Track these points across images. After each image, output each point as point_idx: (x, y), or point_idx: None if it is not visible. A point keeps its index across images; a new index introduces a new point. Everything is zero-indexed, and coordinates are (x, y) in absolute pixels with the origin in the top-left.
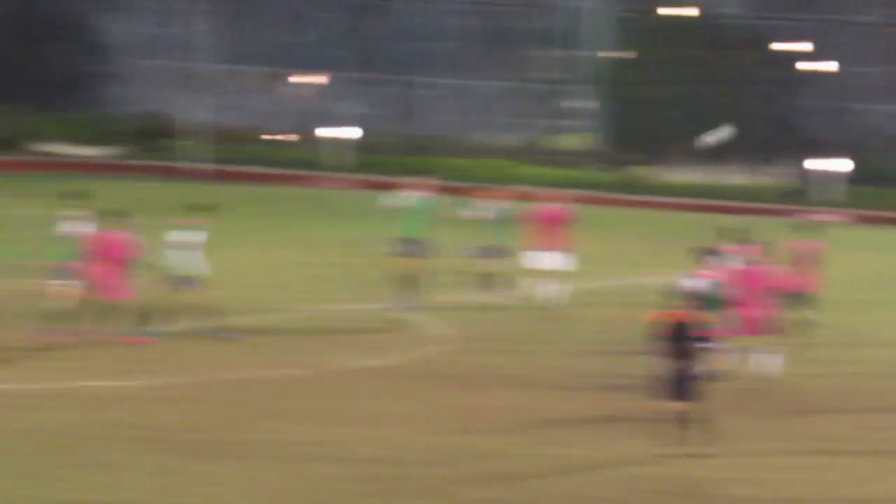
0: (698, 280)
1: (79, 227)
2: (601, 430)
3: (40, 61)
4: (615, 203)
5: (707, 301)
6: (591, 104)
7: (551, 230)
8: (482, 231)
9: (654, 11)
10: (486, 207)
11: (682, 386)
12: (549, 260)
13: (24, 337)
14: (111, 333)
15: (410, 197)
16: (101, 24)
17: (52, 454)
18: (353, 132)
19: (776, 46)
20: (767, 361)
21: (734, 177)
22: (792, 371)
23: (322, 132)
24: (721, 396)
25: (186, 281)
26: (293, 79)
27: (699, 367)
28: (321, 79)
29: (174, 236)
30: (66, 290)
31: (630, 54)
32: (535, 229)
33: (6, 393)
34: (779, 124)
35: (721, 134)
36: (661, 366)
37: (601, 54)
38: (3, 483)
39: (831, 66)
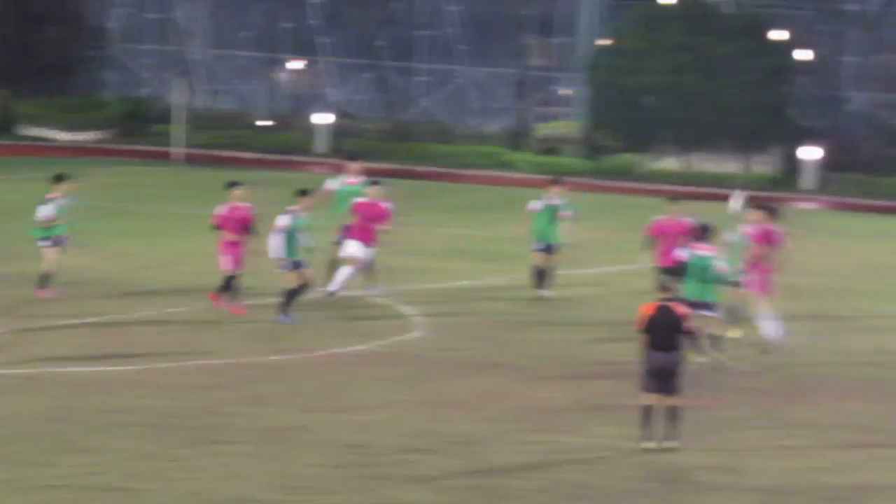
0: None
1: None
2: (586, 418)
3: (36, 45)
4: (602, 190)
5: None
6: (581, 91)
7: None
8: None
9: None
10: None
11: (667, 376)
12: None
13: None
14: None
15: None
16: (96, 8)
17: (28, 439)
18: (335, 117)
19: (768, 34)
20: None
21: (722, 165)
22: (776, 358)
23: (312, 118)
24: (705, 385)
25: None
26: (286, 64)
27: (685, 357)
28: (311, 64)
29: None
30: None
31: (619, 42)
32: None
33: None
34: (768, 113)
35: (738, 199)
36: (648, 356)
37: (591, 41)
38: None
39: (822, 54)
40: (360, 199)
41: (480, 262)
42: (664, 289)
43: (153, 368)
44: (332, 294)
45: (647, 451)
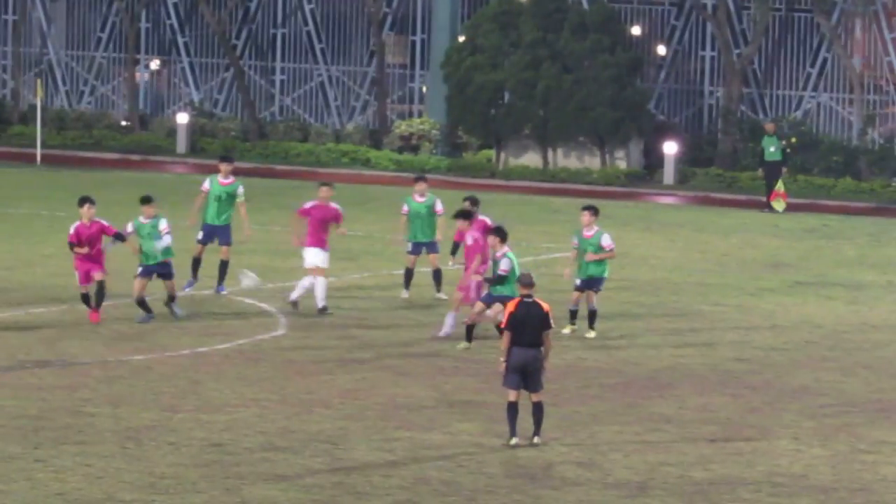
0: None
1: None
2: (449, 414)
3: None
4: (462, 187)
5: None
6: (437, 89)
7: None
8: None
9: None
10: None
11: (531, 372)
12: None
13: None
14: None
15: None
16: None
17: None
18: (189, 116)
19: (624, 29)
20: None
21: (578, 161)
22: (636, 354)
23: (165, 118)
24: (567, 380)
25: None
26: (145, 64)
27: (545, 353)
28: (169, 64)
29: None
30: None
31: (474, 38)
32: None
33: None
34: (626, 107)
35: (249, 279)
36: (511, 353)
37: (447, 38)
38: None
39: (676, 49)
40: (310, 203)
41: (341, 260)
42: (526, 285)
43: (15, 370)
44: (294, 304)
45: (512, 447)
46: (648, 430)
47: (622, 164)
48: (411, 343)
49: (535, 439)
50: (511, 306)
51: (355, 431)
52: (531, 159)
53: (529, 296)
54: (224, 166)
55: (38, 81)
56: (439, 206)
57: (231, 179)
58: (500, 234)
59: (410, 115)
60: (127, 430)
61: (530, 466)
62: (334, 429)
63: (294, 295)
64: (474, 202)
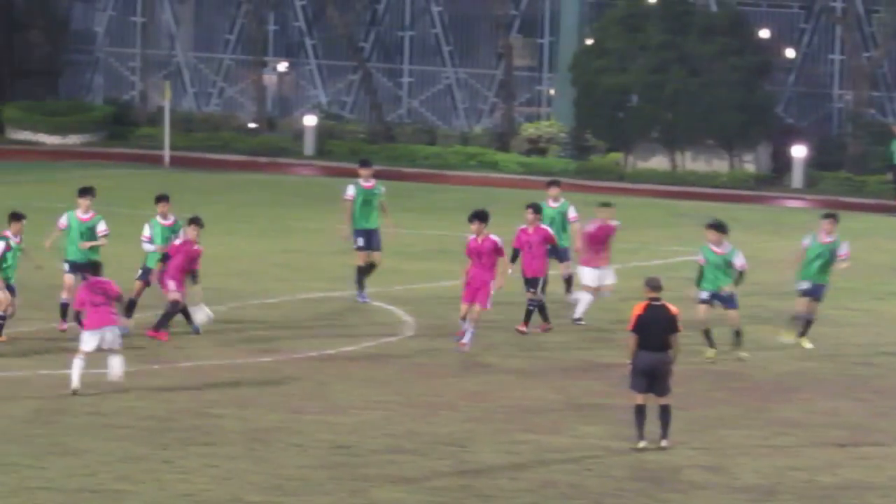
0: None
1: None
2: (574, 417)
3: (21, 50)
4: (589, 190)
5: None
6: (564, 92)
7: None
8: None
9: None
10: None
11: (658, 376)
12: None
13: None
14: None
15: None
16: (81, 12)
17: (20, 441)
18: (316, 119)
19: (752, 32)
20: None
21: (706, 164)
22: (763, 357)
23: (292, 119)
24: (694, 383)
25: None
26: (267, 66)
27: (673, 357)
28: (296, 66)
29: None
30: None
31: (602, 41)
32: None
33: None
34: (754, 111)
35: (202, 313)
36: (638, 356)
37: (574, 41)
38: None
39: (804, 52)
40: (593, 224)
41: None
42: (654, 289)
43: (138, 371)
44: (579, 320)
45: (639, 450)
46: (776, 434)
47: (750, 168)
48: (538, 346)
49: (663, 443)
50: (638, 309)
51: (481, 434)
52: (658, 162)
53: (657, 299)
54: (364, 171)
55: (166, 83)
56: (572, 213)
57: (372, 183)
58: (721, 228)
59: (537, 117)
60: (254, 432)
61: (657, 470)
62: (460, 431)
63: (578, 312)
64: (537, 209)
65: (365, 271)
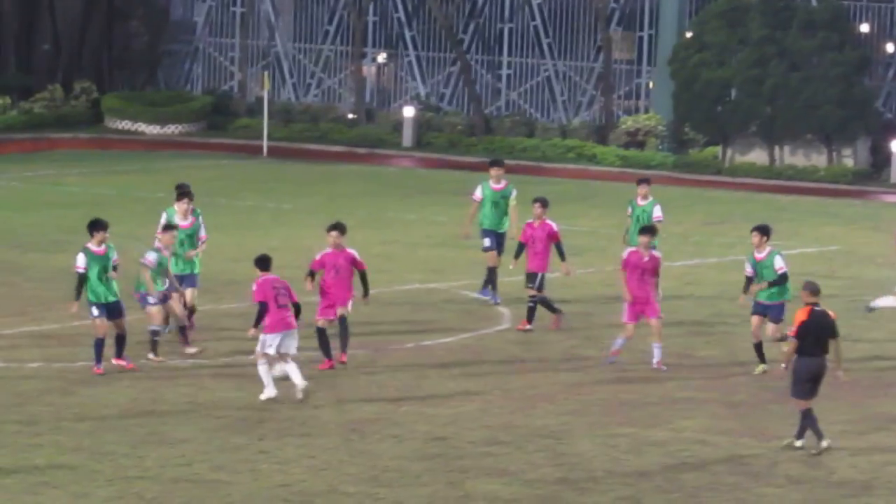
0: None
1: None
2: (673, 411)
3: (122, 39)
4: (688, 183)
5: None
6: (660, 85)
7: None
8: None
9: None
10: None
11: (817, 380)
12: None
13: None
14: None
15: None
16: (181, 1)
17: (118, 430)
18: (415, 110)
19: (852, 27)
20: None
21: (804, 159)
22: (862, 352)
23: (391, 111)
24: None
25: None
26: (366, 57)
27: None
28: (396, 57)
29: None
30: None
31: (699, 35)
32: None
33: (59, 371)
34: (854, 106)
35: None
36: (800, 362)
37: (674, 35)
38: (70, 459)
39: None
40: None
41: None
42: (814, 293)
43: (229, 362)
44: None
45: (824, 449)
46: (873, 429)
47: (849, 163)
48: (634, 339)
49: (798, 443)
50: (802, 315)
51: (578, 427)
52: (757, 156)
53: (817, 304)
54: (495, 170)
55: (265, 74)
56: (658, 212)
57: (503, 184)
58: (765, 231)
59: (636, 110)
60: (350, 423)
61: (754, 464)
62: (557, 424)
63: (880, 303)
64: (544, 203)
65: (495, 272)
